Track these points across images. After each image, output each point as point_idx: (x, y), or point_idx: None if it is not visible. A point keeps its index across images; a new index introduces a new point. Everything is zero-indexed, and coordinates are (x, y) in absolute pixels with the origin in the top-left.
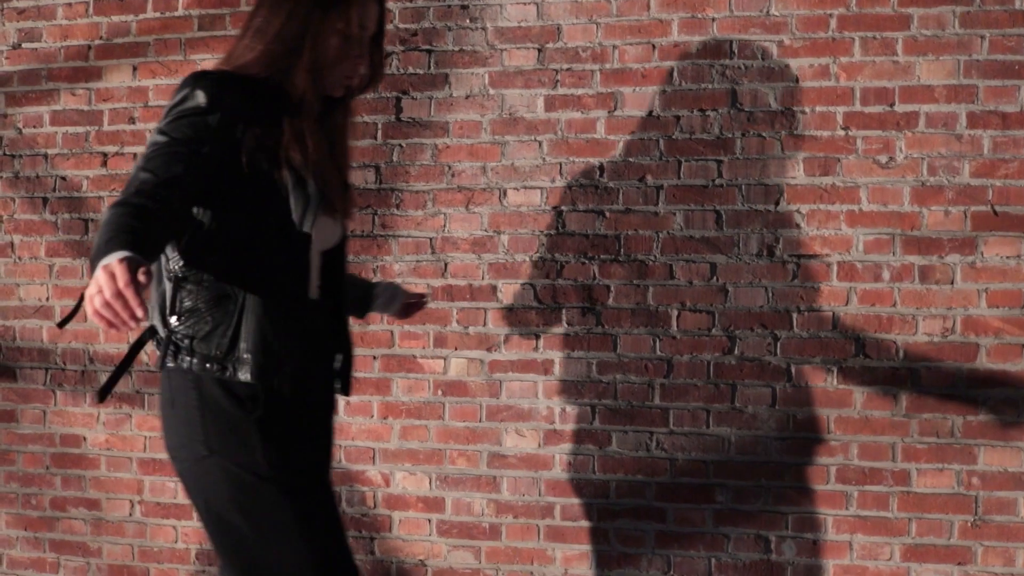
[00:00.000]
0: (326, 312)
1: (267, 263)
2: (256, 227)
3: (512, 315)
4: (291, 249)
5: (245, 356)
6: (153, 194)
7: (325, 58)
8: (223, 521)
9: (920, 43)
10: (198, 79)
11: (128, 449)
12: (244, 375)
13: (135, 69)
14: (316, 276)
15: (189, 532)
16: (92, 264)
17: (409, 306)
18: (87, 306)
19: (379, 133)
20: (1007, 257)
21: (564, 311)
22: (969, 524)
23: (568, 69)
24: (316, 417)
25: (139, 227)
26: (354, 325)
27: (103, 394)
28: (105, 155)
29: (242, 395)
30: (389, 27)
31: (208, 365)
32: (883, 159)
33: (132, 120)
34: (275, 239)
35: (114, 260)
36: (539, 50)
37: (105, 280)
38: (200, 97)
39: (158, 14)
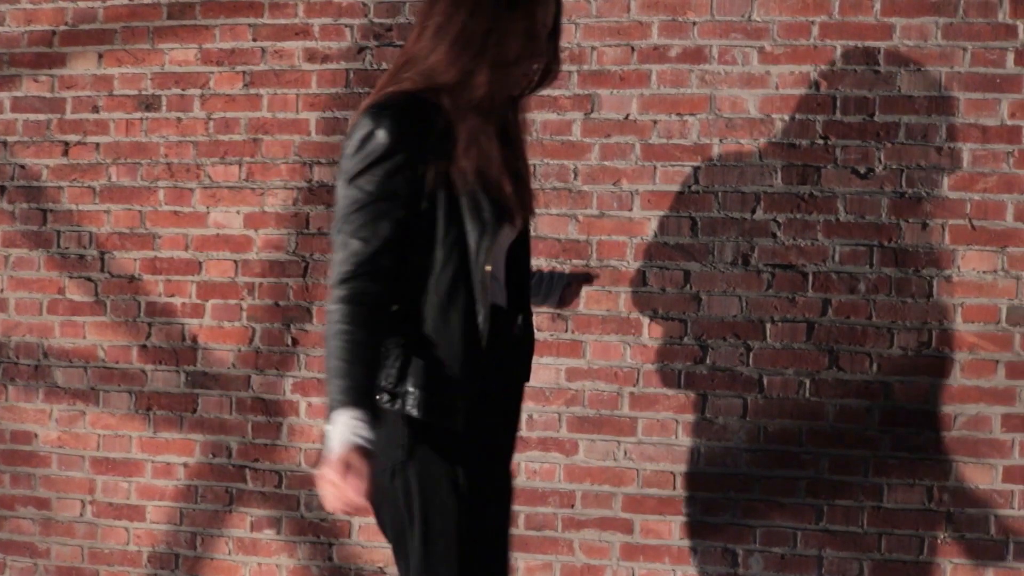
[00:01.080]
0: (513, 315)
1: (440, 286)
2: (429, 253)
3: None
4: (465, 274)
5: (411, 390)
6: (372, 289)
7: (508, 56)
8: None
9: (902, 53)
10: (377, 116)
11: (81, 447)
12: (412, 410)
13: (100, 57)
14: (516, 282)
15: (142, 534)
16: (330, 406)
17: (569, 289)
18: (321, 483)
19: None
20: (984, 272)
21: (534, 316)
22: (939, 541)
23: None
24: (497, 431)
25: (368, 372)
26: (318, 325)
27: None
28: (67, 144)
29: (415, 426)
30: (364, 21)
31: (379, 396)
32: (862, 169)
33: (96, 109)
34: (446, 266)
35: (344, 456)
36: None
37: (338, 476)
38: (382, 137)
39: (126, 1)
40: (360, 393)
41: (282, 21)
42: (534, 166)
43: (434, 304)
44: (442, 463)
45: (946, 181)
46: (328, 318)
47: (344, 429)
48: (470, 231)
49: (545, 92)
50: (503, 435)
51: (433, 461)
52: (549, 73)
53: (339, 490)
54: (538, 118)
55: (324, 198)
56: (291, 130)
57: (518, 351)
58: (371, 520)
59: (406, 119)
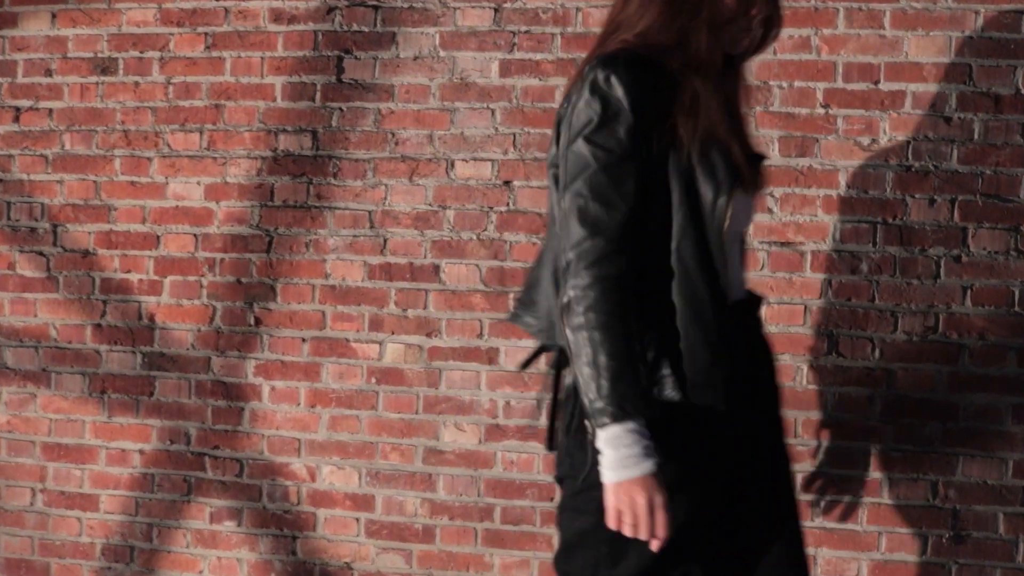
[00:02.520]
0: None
1: (683, 254)
2: (661, 222)
3: (455, 298)
4: (703, 238)
5: (666, 373)
6: (626, 269)
7: (723, 14)
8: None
9: (909, 16)
10: (612, 67)
11: (31, 432)
12: (671, 393)
13: (54, 17)
14: (738, 266)
15: (95, 525)
16: (597, 416)
17: None
18: (612, 514)
19: (318, 95)
20: (995, 252)
21: (512, 295)
22: (944, 540)
23: (526, 31)
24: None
25: (640, 370)
26: (283, 304)
27: (550, 444)
28: (17, 110)
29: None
30: None
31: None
32: (865, 141)
33: (48, 73)
34: (686, 230)
35: (640, 481)
36: (495, 10)
37: (632, 505)
38: (620, 90)
39: None
40: (641, 398)
41: None
42: (514, 135)
43: (680, 275)
44: (701, 449)
45: (956, 154)
46: (576, 305)
47: (635, 450)
48: (705, 193)
49: (525, 55)
50: (768, 436)
51: (693, 448)
52: (771, 28)
53: (641, 525)
54: (518, 83)
55: (290, 168)
56: (255, 95)
57: (759, 341)
58: (338, 512)
59: (642, 72)
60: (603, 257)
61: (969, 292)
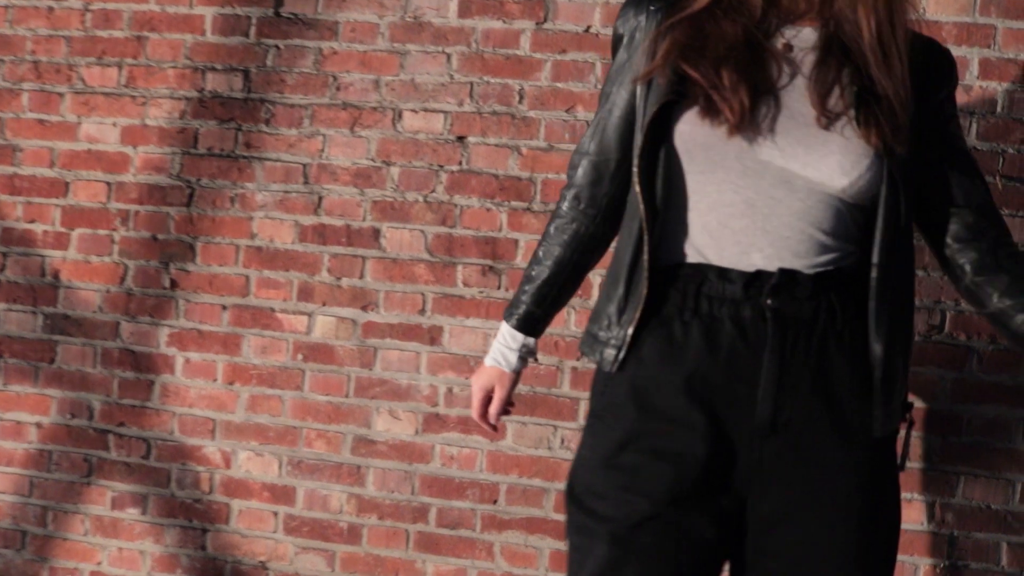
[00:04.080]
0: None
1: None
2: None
3: (396, 267)
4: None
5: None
6: (566, 191)
7: None
8: None
9: None
10: None
11: None
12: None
13: None
14: (715, 225)
15: None
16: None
17: None
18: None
19: (252, 30)
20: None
21: (460, 267)
22: (938, 570)
23: None
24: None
25: (535, 291)
26: (203, 266)
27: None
28: None
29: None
30: None
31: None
32: None
33: None
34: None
35: (482, 369)
36: None
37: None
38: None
39: None
40: (514, 307)
41: None
42: (471, 84)
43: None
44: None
45: (975, 128)
46: None
47: (495, 346)
48: (637, 128)
49: None
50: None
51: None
52: None
53: (472, 405)
54: (479, 25)
55: (217, 112)
56: (182, 28)
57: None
58: (254, 504)
59: (628, 6)
60: (564, 188)
61: None
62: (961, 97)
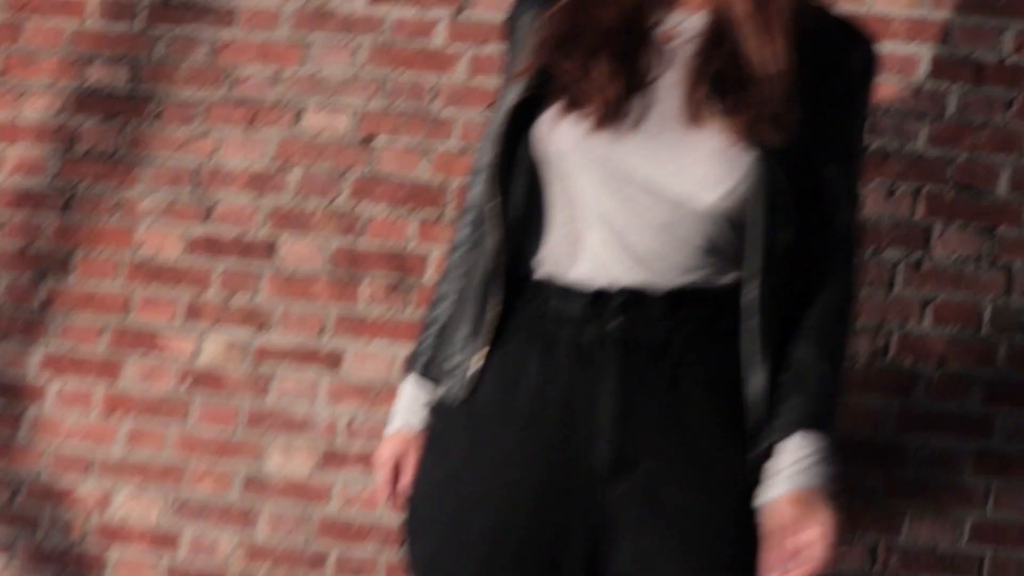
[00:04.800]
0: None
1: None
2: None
3: (294, 284)
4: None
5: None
6: (460, 235)
7: None
8: None
9: None
10: None
11: None
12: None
13: None
14: (637, 239)
15: None
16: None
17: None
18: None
19: (140, 17)
20: (964, 258)
21: (365, 284)
22: None
23: None
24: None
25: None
26: (80, 281)
27: None
28: None
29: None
30: None
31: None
32: None
33: None
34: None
35: (380, 454)
36: None
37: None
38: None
39: None
40: (415, 357)
41: None
42: (381, 79)
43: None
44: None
45: (924, 133)
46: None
47: (395, 407)
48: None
49: None
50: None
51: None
52: None
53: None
54: (390, 14)
55: (99, 107)
56: (63, 12)
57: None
58: (134, 551)
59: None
60: (461, 214)
61: (930, 307)
62: (908, 98)
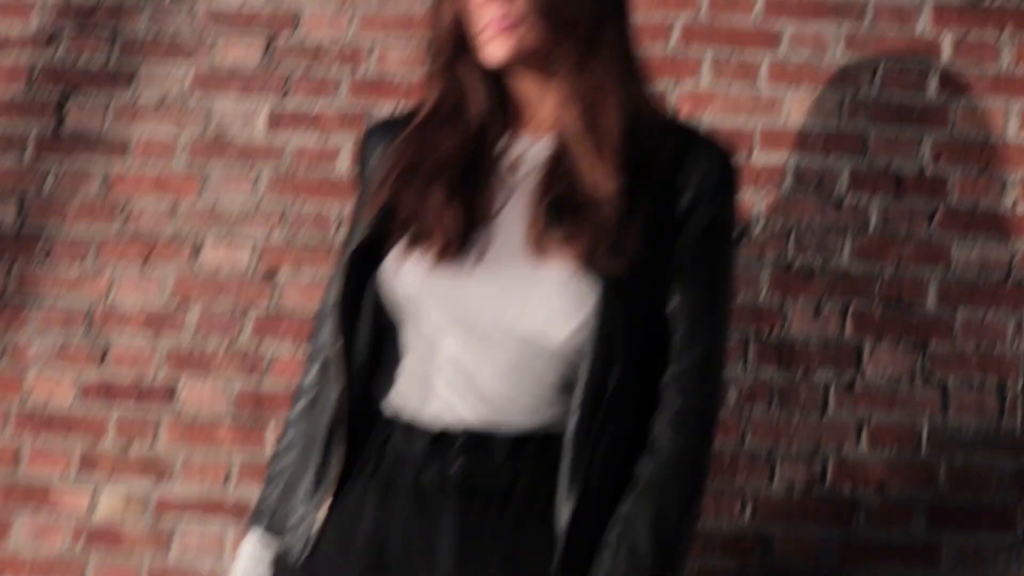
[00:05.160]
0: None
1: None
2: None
3: (195, 430)
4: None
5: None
6: (305, 381)
7: (444, 20)
8: None
9: (790, 70)
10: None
11: None
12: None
13: None
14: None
15: None
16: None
17: None
18: None
19: (28, 150)
20: (898, 376)
21: (272, 427)
22: None
23: (304, 74)
24: None
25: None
26: None
27: None
28: None
29: None
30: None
31: None
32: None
33: None
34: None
35: None
36: (266, 44)
37: None
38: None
39: None
40: (256, 512)
41: None
42: (283, 210)
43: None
44: None
45: (848, 247)
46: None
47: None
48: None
49: (302, 103)
50: None
51: None
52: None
53: None
54: (292, 141)
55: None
56: None
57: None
58: None
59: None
60: (308, 360)
61: (865, 429)
62: (830, 213)
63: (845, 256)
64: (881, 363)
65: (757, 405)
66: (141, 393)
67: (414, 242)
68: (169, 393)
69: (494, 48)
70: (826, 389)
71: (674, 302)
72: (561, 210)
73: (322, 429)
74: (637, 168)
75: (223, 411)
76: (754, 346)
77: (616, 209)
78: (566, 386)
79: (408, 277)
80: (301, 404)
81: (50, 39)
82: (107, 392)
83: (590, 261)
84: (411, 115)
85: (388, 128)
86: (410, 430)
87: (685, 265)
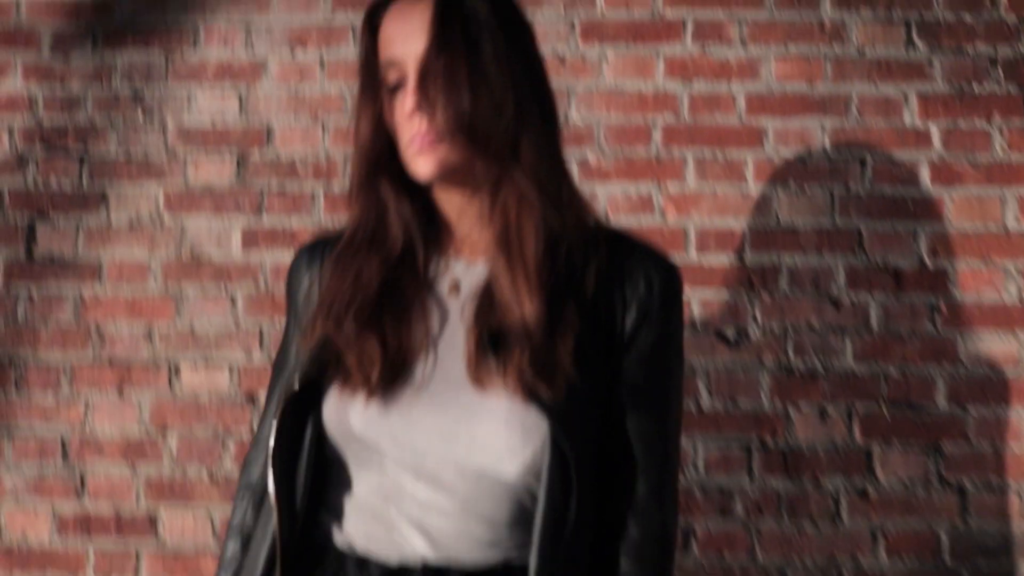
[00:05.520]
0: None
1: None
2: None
3: (178, 562)
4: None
5: None
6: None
7: (363, 135)
8: None
9: (778, 167)
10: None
11: None
12: None
13: None
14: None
15: None
16: None
17: None
18: None
19: (0, 275)
20: (912, 481)
21: None
22: None
23: (280, 190)
24: None
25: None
26: None
27: None
28: None
29: None
30: (30, 122)
31: None
32: (730, 333)
33: None
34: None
35: None
36: (239, 160)
37: None
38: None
39: None
40: None
41: None
42: (260, 330)
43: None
44: None
45: (850, 348)
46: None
47: None
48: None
49: (277, 221)
50: None
51: None
52: (447, 116)
53: None
54: (267, 260)
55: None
56: None
57: None
58: None
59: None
60: (236, 495)
61: (881, 538)
62: (828, 313)
63: (848, 357)
64: (893, 467)
65: (766, 517)
66: (121, 525)
67: (347, 379)
68: (150, 524)
69: (422, 163)
70: (837, 497)
71: (626, 424)
72: (495, 340)
73: (261, 566)
74: (567, 285)
75: (207, 541)
76: (759, 455)
77: (542, 334)
78: (523, 518)
79: (351, 415)
80: (233, 546)
81: (20, 163)
82: (85, 525)
83: (529, 391)
84: (339, 235)
85: (316, 250)
86: (364, 564)
87: (634, 387)
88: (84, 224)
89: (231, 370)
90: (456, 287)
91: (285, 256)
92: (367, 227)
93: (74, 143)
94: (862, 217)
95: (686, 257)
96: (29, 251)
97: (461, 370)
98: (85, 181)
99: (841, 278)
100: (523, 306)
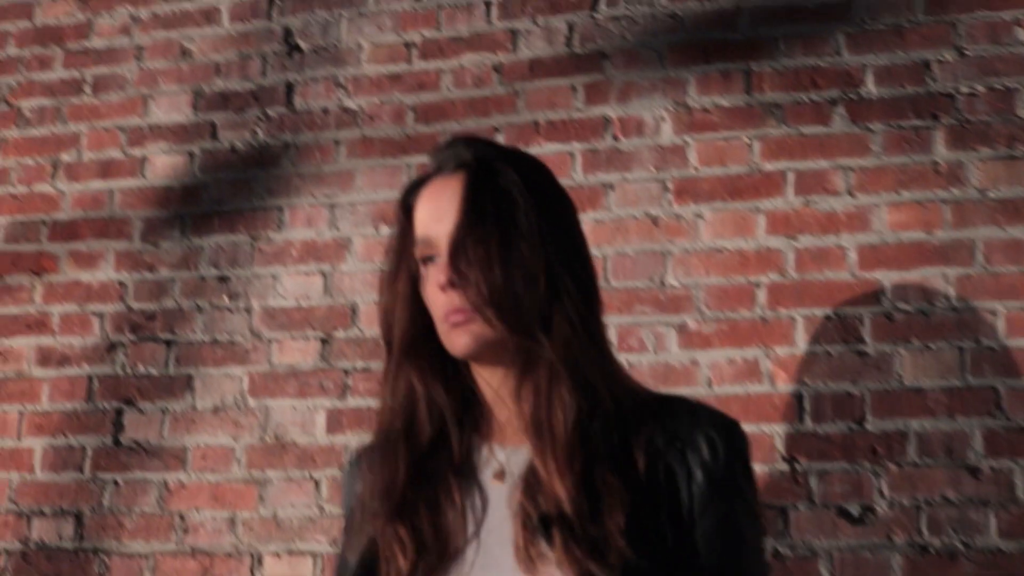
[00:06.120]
0: None
1: None
2: None
3: None
4: None
5: None
6: None
7: (396, 318)
8: None
9: (899, 324)
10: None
11: None
12: None
13: None
14: None
15: None
16: None
17: None
18: None
19: (87, 464)
20: None
21: None
22: None
23: (364, 368)
24: None
25: None
26: None
27: None
28: None
29: None
30: (120, 308)
31: None
32: (854, 510)
33: None
34: None
35: None
36: (324, 341)
37: None
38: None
39: None
40: None
41: (12, 310)
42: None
43: None
44: None
45: (993, 522)
46: None
47: None
48: None
49: (361, 401)
50: None
51: None
52: (479, 293)
53: None
54: (352, 442)
55: (42, 567)
56: (9, 464)
57: None
58: None
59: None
60: None
61: None
62: (967, 482)
63: (992, 533)
64: None
65: None
66: None
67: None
68: None
69: (456, 338)
70: None
71: None
72: (545, 526)
73: None
74: (610, 460)
75: None
76: None
77: (586, 513)
78: None
79: None
80: None
81: (110, 349)
82: None
83: (582, 572)
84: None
85: (364, 454)
86: None
87: (711, 564)
88: (170, 409)
89: (314, 560)
90: (501, 474)
91: (369, 438)
92: (401, 418)
93: (161, 328)
94: (998, 374)
95: (800, 426)
96: (116, 438)
97: (509, 556)
98: (171, 366)
99: (978, 443)
100: (556, 488)
